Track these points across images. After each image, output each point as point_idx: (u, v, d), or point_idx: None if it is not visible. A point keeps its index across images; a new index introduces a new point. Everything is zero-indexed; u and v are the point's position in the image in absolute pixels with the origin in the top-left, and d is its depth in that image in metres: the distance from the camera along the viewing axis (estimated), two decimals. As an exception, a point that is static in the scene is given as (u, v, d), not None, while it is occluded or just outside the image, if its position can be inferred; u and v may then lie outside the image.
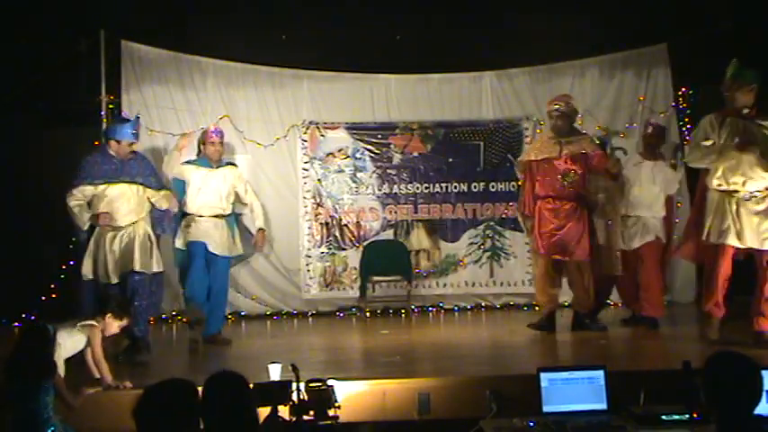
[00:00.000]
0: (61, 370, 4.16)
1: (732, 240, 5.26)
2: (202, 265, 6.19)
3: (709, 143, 5.40)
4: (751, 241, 5.26)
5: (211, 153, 6.37)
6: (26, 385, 3.75)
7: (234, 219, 6.56)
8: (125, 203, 5.72)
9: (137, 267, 5.59)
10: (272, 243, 7.78)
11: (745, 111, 5.38)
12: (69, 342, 4.46)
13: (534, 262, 6.52)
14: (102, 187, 5.68)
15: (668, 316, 6.55)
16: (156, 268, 5.74)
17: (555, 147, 6.18)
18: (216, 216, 6.32)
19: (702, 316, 5.72)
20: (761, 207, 5.29)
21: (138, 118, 6.23)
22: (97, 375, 4.51)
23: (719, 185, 5.37)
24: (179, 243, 6.32)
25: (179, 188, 6.30)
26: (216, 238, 6.27)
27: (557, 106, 6.24)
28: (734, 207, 5.30)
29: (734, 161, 5.30)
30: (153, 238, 5.83)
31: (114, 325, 4.73)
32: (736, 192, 5.33)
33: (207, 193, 6.32)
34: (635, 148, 7.19)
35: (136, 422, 2.60)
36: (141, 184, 5.80)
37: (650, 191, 6.38)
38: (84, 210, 5.69)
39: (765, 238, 5.27)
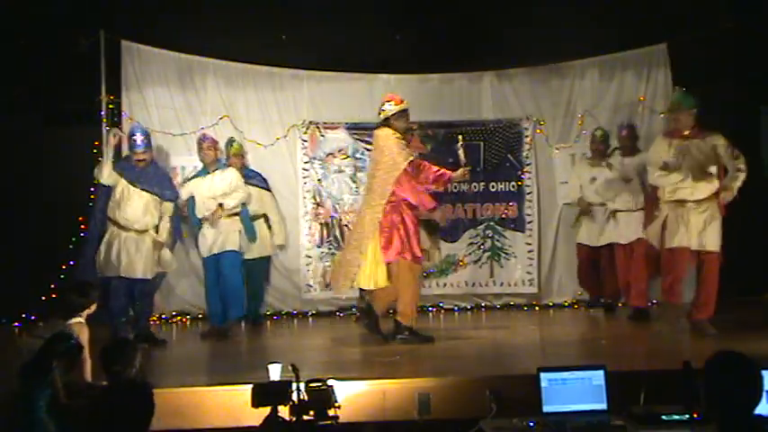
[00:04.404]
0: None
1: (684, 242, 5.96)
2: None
3: (664, 173, 6.12)
4: (697, 244, 5.95)
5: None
6: (31, 387, 3.75)
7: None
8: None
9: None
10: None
11: (686, 132, 6.11)
12: None
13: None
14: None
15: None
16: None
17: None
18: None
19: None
20: (705, 213, 5.99)
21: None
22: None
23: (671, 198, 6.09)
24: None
25: None
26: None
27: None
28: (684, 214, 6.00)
29: (681, 176, 6.06)
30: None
31: (92, 309, 4.79)
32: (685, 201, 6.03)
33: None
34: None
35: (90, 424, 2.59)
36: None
37: None
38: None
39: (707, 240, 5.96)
